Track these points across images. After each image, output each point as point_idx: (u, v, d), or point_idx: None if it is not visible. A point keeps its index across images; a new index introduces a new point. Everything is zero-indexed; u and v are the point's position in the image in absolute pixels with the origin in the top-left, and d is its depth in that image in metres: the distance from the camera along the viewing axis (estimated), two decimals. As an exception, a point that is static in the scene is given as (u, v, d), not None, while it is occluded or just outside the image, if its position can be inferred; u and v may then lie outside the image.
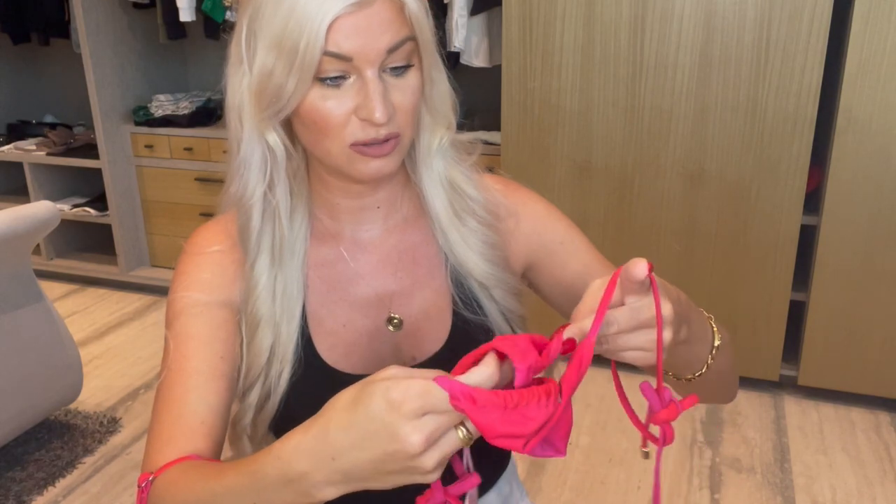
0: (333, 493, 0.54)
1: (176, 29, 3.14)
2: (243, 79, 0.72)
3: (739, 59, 2.14)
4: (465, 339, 0.82)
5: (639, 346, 0.57)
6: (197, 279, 0.79)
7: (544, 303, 0.93)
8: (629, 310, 0.57)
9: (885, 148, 2.09)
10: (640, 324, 0.57)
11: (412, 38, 0.70)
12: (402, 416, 0.49)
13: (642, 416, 0.61)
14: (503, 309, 0.85)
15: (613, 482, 2.04)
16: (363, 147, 0.72)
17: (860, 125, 2.09)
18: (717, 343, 0.70)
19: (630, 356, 0.58)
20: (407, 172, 0.84)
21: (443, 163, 0.81)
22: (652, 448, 0.61)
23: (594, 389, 2.47)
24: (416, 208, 0.85)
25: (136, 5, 3.16)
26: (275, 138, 0.74)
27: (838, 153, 2.14)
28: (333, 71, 0.68)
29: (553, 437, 0.53)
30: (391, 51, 0.68)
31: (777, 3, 2.07)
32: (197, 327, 0.76)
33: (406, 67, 0.71)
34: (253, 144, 0.75)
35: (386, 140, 0.71)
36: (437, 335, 0.83)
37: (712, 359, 0.70)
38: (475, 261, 0.83)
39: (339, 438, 0.52)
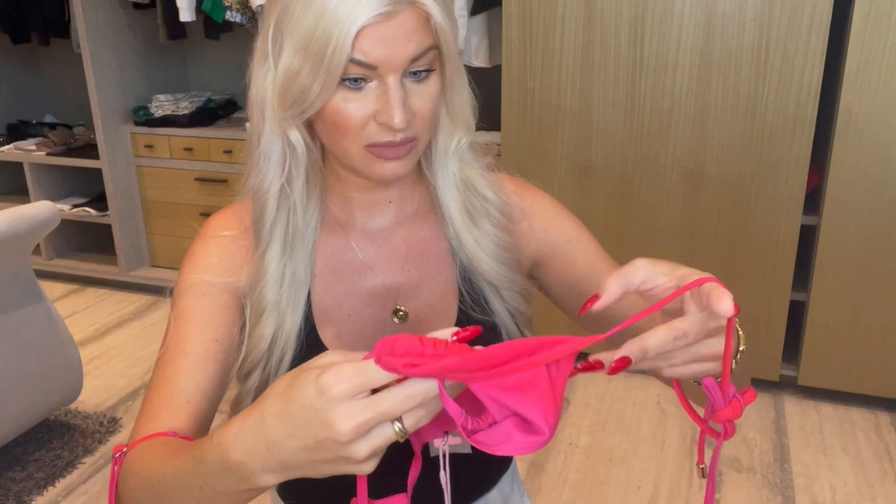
0: (273, 480, 0.54)
1: (176, 29, 3.14)
2: (268, 74, 0.73)
3: (739, 59, 2.14)
4: None
5: (700, 357, 0.56)
6: (205, 261, 0.80)
7: (545, 307, 0.93)
8: (698, 321, 0.55)
9: (885, 148, 2.09)
10: (707, 334, 0.55)
11: (435, 48, 0.71)
12: (331, 400, 0.49)
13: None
14: (511, 309, 0.85)
15: (613, 482, 2.04)
16: (378, 149, 0.73)
17: (860, 125, 2.09)
18: (741, 348, 0.69)
19: (694, 369, 0.57)
20: (420, 169, 0.85)
21: (459, 164, 0.82)
22: (708, 464, 0.60)
23: (594, 389, 2.47)
24: (428, 204, 0.86)
25: (136, 5, 3.16)
26: (296, 136, 0.76)
27: (838, 153, 2.14)
28: (358, 76, 0.70)
29: (530, 413, 0.50)
30: (415, 59, 0.70)
31: (777, 3, 2.07)
32: (199, 308, 0.78)
33: (427, 74, 0.72)
34: (273, 139, 0.76)
35: (402, 143, 0.73)
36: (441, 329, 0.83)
37: (736, 363, 0.70)
38: (487, 262, 0.83)
39: (273, 428, 0.52)
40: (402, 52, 0.69)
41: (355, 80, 0.70)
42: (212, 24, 3.11)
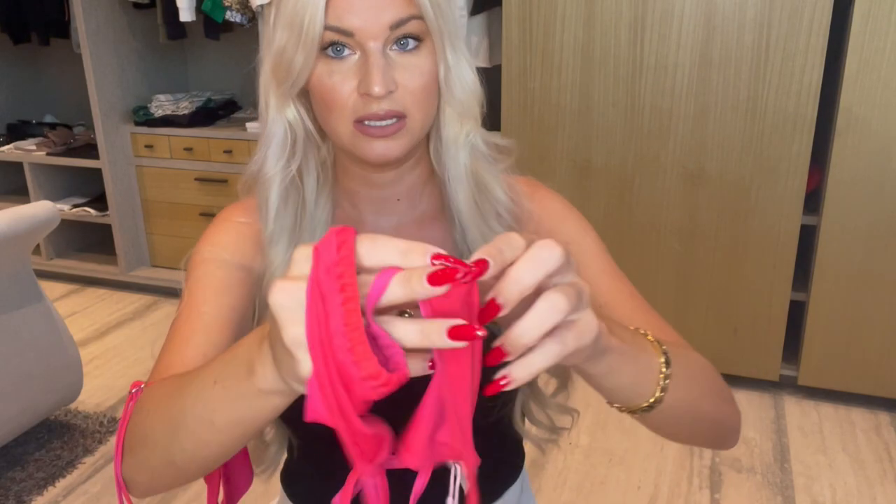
0: (270, 373, 0.49)
1: (176, 29, 3.14)
2: (268, 59, 0.75)
3: (739, 59, 2.14)
4: None
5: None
6: (221, 240, 0.81)
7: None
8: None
9: (885, 148, 2.09)
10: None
11: (418, 18, 0.71)
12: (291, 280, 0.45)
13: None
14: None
15: (613, 482, 2.04)
16: (365, 126, 0.72)
17: (860, 125, 2.09)
18: (665, 370, 0.63)
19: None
20: (431, 168, 0.84)
21: (469, 157, 0.81)
22: None
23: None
24: (436, 206, 0.85)
25: (136, 5, 3.16)
26: (294, 114, 0.77)
27: (838, 153, 2.14)
28: (336, 41, 0.70)
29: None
30: (394, 27, 0.70)
31: (777, 3, 2.07)
32: (216, 277, 0.78)
33: (414, 46, 0.72)
34: (276, 122, 0.77)
35: (387, 117, 0.72)
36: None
37: (662, 391, 0.63)
38: None
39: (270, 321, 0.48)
40: (379, 18, 0.69)
41: (334, 44, 0.70)
42: (212, 24, 3.10)
